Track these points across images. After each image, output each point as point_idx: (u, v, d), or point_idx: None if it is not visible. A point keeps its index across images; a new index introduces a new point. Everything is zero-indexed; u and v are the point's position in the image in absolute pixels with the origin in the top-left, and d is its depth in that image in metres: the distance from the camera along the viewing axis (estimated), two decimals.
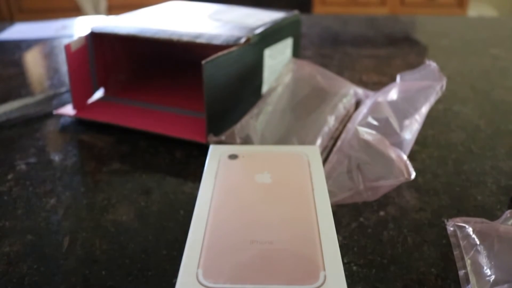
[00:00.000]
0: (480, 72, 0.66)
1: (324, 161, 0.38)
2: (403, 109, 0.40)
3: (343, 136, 0.40)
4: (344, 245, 0.30)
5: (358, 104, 0.48)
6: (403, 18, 1.04)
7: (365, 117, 0.40)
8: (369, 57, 0.73)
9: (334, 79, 0.49)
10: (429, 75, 0.45)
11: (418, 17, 1.07)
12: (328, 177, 0.36)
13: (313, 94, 0.47)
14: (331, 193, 0.36)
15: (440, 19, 1.03)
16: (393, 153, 0.36)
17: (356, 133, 0.38)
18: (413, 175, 0.35)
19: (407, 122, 0.39)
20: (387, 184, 0.34)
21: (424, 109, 0.41)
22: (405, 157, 0.35)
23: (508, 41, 0.84)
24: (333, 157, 0.37)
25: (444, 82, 0.43)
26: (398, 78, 0.44)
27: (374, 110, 0.40)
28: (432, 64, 0.46)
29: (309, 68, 0.50)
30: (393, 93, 0.42)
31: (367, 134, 0.38)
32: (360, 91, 0.49)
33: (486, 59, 0.73)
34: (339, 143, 0.39)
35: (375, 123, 0.38)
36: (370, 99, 0.42)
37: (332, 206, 0.34)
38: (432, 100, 0.41)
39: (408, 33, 0.90)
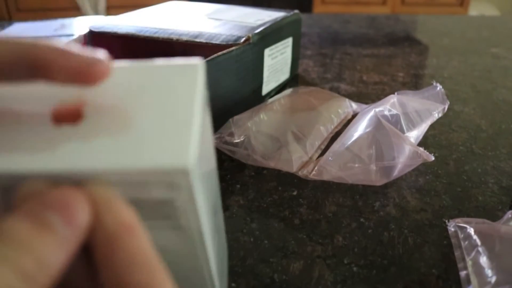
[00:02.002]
0: (481, 71, 0.66)
1: (324, 151, 0.38)
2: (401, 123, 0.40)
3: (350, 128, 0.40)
4: (345, 246, 0.30)
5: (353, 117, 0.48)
6: (403, 17, 1.04)
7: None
8: (369, 57, 0.73)
9: (330, 98, 0.49)
10: (432, 96, 0.45)
11: (419, 16, 1.06)
12: (329, 152, 0.36)
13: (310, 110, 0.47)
14: (325, 170, 0.35)
15: (441, 18, 1.03)
16: (409, 141, 0.36)
17: (374, 116, 0.38)
18: (432, 157, 0.35)
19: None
20: (402, 163, 0.34)
21: (422, 128, 0.41)
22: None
23: (509, 40, 0.84)
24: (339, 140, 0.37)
25: (446, 105, 0.43)
26: (396, 95, 0.44)
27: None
28: (438, 86, 0.46)
29: (305, 95, 0.49)
30: (392, 107, 0.42)
31: (384, 119, 0.38)
32: (355, 106, 0.49)
33: (488, 58, 0.72)
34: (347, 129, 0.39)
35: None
36: (366, 112, 0.42)
37: (330, 184, 0.34)
38: (429, 122, 0.41)
39: (409, 32, 0.90)
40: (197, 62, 0.17)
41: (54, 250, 0.12)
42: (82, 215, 0.13)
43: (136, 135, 0.14)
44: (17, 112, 0.15)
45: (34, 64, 0.14)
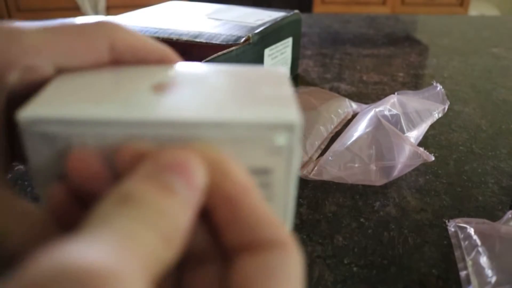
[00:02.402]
0: (481, 71, 0.66)
1: (324, 151, 0.38)
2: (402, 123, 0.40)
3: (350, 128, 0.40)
4: (345, 246, 0.30)
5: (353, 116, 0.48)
6: (403, 17, 1.04)
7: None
8: (369, 57, 0.73)
9: (330, 98, 0.49)
10: (433, 96, 0.45)
11: (419, 16, 1.06)
12: (329, 152, 0.36)
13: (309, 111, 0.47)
14: (325, 170, 0.35)
15: (441, 18, 1.03)
16: (409, 141, 0.36)
17: (375, 117, 0.38)
18: (432, 157, 0.35)
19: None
20: (402, 163, 0.34)
21: (422, 128, 0.41)
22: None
23: (509, 40, 0.84)
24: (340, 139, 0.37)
25: (446, 105, 0.43)
26: (396, 94, 0.44)
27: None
28: (438, 86, 0.46)
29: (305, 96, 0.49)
30: (392, 107, 0.42)
31: (385, 120, 0.38)
32: (355, 106, 0.49)
33: (488, 58, 0.72)
34: (348, 128, 0.39)
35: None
36: (366, 112, 0.42)
37: (330, 184, 0.34)
38: (429, 122, 0.41)
39: (409, 32, 0.90)
40: (282, 70, 0.18)
41: (181, 213, 0.12)
42: (199, 176, 0.13)
43: (238, 101, 0.15)
44: (123, 81, 0.16)
45: (160, 60, 0.18)
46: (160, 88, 0.15)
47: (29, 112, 0.14)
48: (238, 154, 0.14)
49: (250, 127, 0.14)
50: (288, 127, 0.14)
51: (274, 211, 0.15)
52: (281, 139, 0.14)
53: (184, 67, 0.17)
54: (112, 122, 0.13)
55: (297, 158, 0.15)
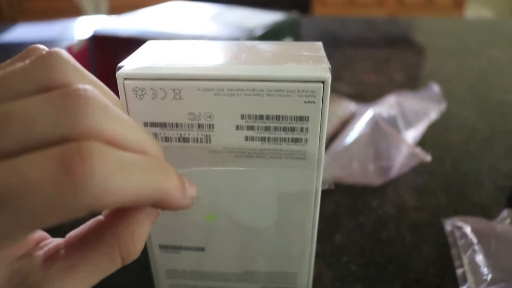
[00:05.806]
0: (477, 73, 0.66)
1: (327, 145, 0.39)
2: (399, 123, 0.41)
3: (347, 131, 0.40)
4: (343, 245, 0.31)
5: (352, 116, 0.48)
6: (401, 19, 1.04)
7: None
8: (368, 58, 0.73)
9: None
10: (430, 97, 0.46)
11: (416, 18, 1.07)
12: (328, 152, 0.36)
13: None
14: (324, 169, 0.36)
15: (438, 21, 1.03)
16: (405, 142, 0.36)
17: (373, 119, 0.38)
18: (429, 157, 0.35)
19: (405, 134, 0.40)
20: (400, 163, 0.35)
21: (419, 129, 0.41)
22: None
23: (505, 42, 0.85)
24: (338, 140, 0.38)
25: (443, 106, 0.44)
26: (393, 95, 0.45)
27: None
28: (434, 87, 0.46)
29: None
30: (389, 107, 0.42)
31: (382, 121, 0.38)
32: (353, 106, 0.50)
33: (484, 60, 0.73)
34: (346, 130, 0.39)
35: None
36: (364, 112, 0.42)
37: (330, 184, 0.35)
38: (426, 122, 0.42)
39: (406, 34, 0.90)
40: (318, 43, 0.22)
41: None
42: None
43: (285, 62, 0.19)
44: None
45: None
46: (234, 56, 0.20)
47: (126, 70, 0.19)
48: (284, 104, 0.18)
49: (293, 81, 0.18)
50: (321, 81, 0.18)
51: (312, 146, 0.19)
52: (315, 91, 0.18)
53: (248, 44, 0.22)
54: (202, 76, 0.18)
55: (327, 106, 0.18)
